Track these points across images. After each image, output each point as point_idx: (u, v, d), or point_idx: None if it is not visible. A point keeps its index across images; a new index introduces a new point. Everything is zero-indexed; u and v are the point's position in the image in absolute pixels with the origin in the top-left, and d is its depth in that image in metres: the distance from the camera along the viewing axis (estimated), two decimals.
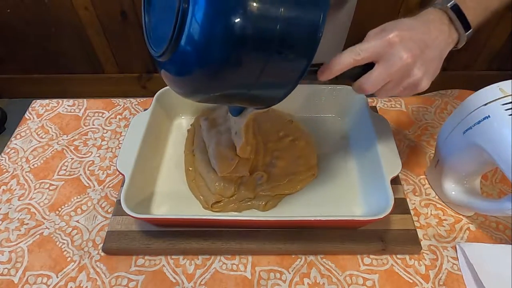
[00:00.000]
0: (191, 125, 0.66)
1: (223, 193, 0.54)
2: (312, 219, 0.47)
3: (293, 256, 0.50)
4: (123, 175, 0.50)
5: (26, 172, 0.61)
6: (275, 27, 0.32)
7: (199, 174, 0.59)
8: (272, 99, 0.40)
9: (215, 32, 0.32)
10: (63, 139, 0.66)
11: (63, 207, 0.56)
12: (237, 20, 0.31)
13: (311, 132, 0.64)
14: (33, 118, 0.69)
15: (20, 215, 0.55)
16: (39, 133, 0.67)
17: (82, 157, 0.63)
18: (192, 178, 0.58)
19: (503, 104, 0.42)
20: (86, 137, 0.66)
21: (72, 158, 0.63)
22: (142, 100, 0.72)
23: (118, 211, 0.53)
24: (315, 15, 0.34)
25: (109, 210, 0.56)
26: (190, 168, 0.60)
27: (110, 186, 0.59)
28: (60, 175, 0.60)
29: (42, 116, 0.70)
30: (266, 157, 0.59)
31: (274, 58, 0.34)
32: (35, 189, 0.58)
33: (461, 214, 0.54)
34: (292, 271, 0.49)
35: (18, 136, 0.66)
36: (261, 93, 0.38)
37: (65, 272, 0.50)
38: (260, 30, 0.32)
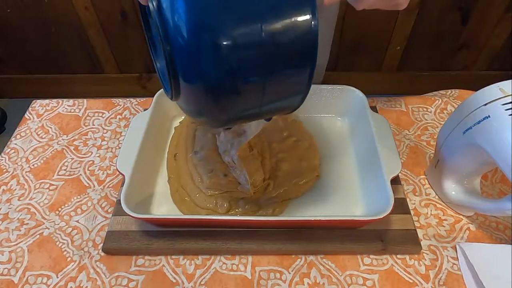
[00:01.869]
0: (180, 122, 0.65)
1: (216, 210, 0.53)
2: (312, 219, 0.47)
3: (293, 256, 0.50)
4: (123, 175, 0.50)
5: (26, 172, 0.61)
6: (261, 49, 0.31)
7: (182, 187, 0.56)
8: (289, 107, 0.39)
9: (202, 68, 0.32)
10: (63, 139, 0.66)
11: (63, 207, 0.56)
12: (219, 54, 0.30)
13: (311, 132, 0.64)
14: (33, 118, 0.69)
15: (20, 215, 0.55)
16: (39, 133, 0.67)
17: (82, 157, 0.63)
18: (175, 190, 0.56)
19: (503, 104, 0.42)
20: (86, 137, 0.66)
21: (72, 158, 0.63)
22: (142, 100, 0.72)
23: (118, 211, 0.53)
24: (303, 18, 0.31)
25: (109, 210, 0.56)
26: (172, 176, 0.58)
27: (110, 186, 0.59)
28: (60, 175, 0.60)
29: (42, 116, 0.70)
30: (272, 159, 0.58)
31: (273, 76, 0.33)
32: (35, 189, 0.58)
33: (461, 214, 0.54)
34: (292, 271, 0.49)
35: (18, 136, 0.66)
36: (274, 106, 0.37)
37: (65, 272, 0.50)
38: (245, 57, 0.31)
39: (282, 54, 0.32)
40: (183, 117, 0.67)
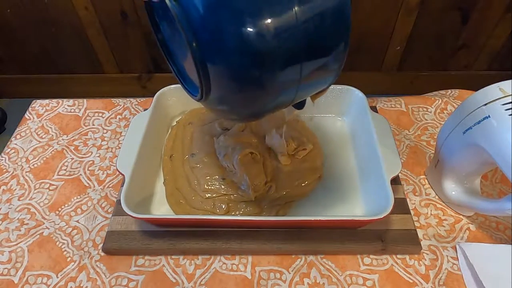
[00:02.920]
0: (176, 121, 0.65)
1: (214, 212, 0.53)
2: (312, 219, 0.47)
3: (293, 256, 0.50)
4: (123, 175, 0.50)
5: (26, 172, 0.61)
6: (297, 34, 0.30)
7: (177, 189, 0.55)
8: (321, 88, 0.38)
9: (237, 66, 0.30)
10: (63, 139, 0.66)
11: (63, 207, 0.56)
12: (254, 48, 0.29)
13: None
14: (33, 118, 0.69)
15: (20, 215, 0.55)
16: (39, 133, 0.67)
17: (82, 157, 0.63)
18: (170, 192, 0.55)
19: (503, 104, 0.42)
20: (86, 137, 0.66)
21: (72, 158, 0.63)
22: (142, 100, 0.72)
23: (118, 211, 0.53)
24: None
25: (109, 210, 0.56)
26: (167, 177, 0.57)
27: (110, 186, 0.59)
28: (60, 175, 0.60)
29: (42, 116, 0.70)
30: (273, 160, 0.58)
31: (308, 61, 0.32)
32: (35, 189, 0.58)
33: (461, 214, 0.54)
34: (292, 271, 0.49)
35: (18, 136, 0.66)
36: (308, 89, 0.36)
37: (65, 272, 0.50)
38: (282, 46, 0.30)
39: (318, 34, 0.31)
40: (181, 116, 0.67)
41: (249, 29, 0.29)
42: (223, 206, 0.53)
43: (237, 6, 0.29)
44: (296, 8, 0.29)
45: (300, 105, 0.41)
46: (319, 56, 0.32)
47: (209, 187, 0.55)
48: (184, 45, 0.31)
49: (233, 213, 0.53)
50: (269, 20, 0.29)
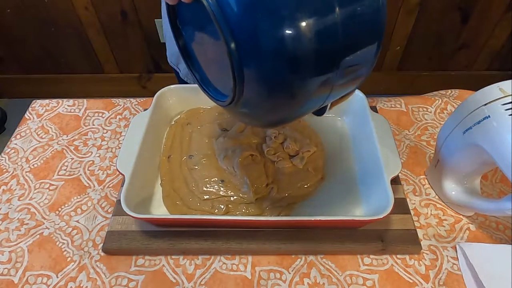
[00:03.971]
0: (175, 121, 0.65)
1: (213, 213, 0.52)
2: (312, 219, 0.47)
3: (293, 256, 0.50)
4: (123, 175, 0.50)
5: (26, 172, 0.61)
6: (336, 38, 0.29)
7: (174, 190, 0.55)
8: (352, 88, 0.37)
9: (272, 69, 0.29)
10: (63, 139, 0.66)
11: (63, 207, 0.56)
12: (293, 49, 0.28)
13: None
14: (33, 118, 0.69)
15: (20, 215, 0.55)
16: (39, 133, 0.67)
17: (82, 157, 0.63)
18: (167, 193, 0.55)
19: (503, 104, 0.42)
20: (86, 137, 0.66)
21: (72, 158, 0.63)
22: (142, 100, 0.72)
23: (118, 211, 0.53)
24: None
25: (109, 210, 0.56)
26: (164, 178, 0.56)
27: (110, 186, 0.59)
28: (60, 175, 0.60)
29: (42, 116, 0.70)
30: (274, 162, 0.58)
31: (344, 65, 0.31)
32: (35, 189, 0.58)
33: (461, 214, 0.54)
34: (292, 271, 0.49)
35: (18, 136, 0.66)
36: (339, 93, 0.35)
37: (65, 272, 0.50)
38: (321, 46, 0.28)
39: (356, 36, 0.30)
40: (179, 116, 0.67)
41: (287, 30, 0.27)
42: (222, 207, 0.53)
43: (275, 5, 0.27)
44: (337, 10, 0.28)
45: (321, 112, 0.40)
46: (354, 61, 0.31)
47: (208, 189, 0.54)
48: (212, 48, 0.30)
49: (233, 214, 0.53)
50: (309, 21, 0.27)
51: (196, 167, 0.57)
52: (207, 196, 0.54)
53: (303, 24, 0.27)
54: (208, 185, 0.55)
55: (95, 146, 0.64)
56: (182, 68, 0.80)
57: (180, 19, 0.38)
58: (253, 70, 0.30)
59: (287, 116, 0.36)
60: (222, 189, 0.54)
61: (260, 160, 0.57)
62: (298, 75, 0.30)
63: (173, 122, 0.65)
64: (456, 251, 0.50)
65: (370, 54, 0.32)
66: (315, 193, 0.55)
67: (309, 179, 0.56)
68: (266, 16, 0.28)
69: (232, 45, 0.29)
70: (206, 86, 0.39)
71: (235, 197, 0.54)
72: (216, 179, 0.55)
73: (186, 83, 0.80)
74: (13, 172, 0.61)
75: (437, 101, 0.70)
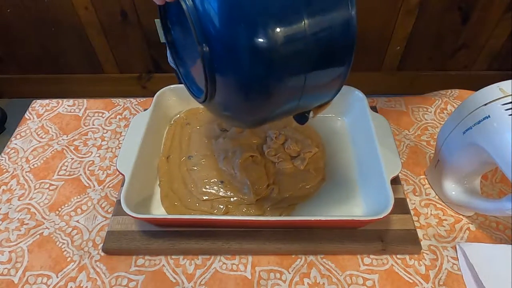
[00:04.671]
0: (174, 120, 0.65)
1: (212, 213, 0.52)
2: (312, 219, 0.47)
3: (293, 256, 0.50)
4: (123, 175, 0.50)
5: (26, 172, 0.61)
6: (303, 44, 0.30)
7: (172, 191, 0.55)
8: (326, 96, 0.38)
9: (243, 68, 0.31)
10: (63, 139, 0.66)
11: (63, 207, 0.56)
12: (263, 53, 0.29)
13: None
14: (33, 118, 0.69)
15: (20, 215, 0.55)
16: (39, 133, 0.67)
17: (82, 157, 0.63)
18: (165, 194, 0.55)
19: (503, 104, 0.42)
20: (86, 137, 0.66)
21: (72, 158, 0.63)
22: (142, 100, 0.72)
23: (118, 211, 0.53)
24: (343, 11, 0.31)
25: (109, 210, 0.56)
26: (163, 179, 0.56)
27: (110, 186, 0.59)
28: (60, 175, 0.60)
29: (42, 116, 0.70)
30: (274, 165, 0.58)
31: (313, 71, 0.32)
32: (35, 189, 0.58)
33: (461, 214, 0.54)
34: (292, 271, 0.49)
35: (18, 136, 0.66)
36: (310, 101, 0.37)
37: (65, 272, 0.50)
38: (288, 53, 0.30)
39: (324, 47, 0.31)
40: (178, 115, 0.67)
41: (256, 37, 0.29)
42: (222, 207, 0.53)
43: (246, 13, 0.29)
44: (305, 21, 0.30)
45: (302, 119, 0.42)
46: (322, 68, 0.33)
47: (207, 190, 0.54)
48: (194, 47, 0.32)
49: (233, 214, 0.53)
50: (278, 30, 0.29)
51: (195, 167, 0.57)
52: (206, 197, 0.54)
53: (271, 31, 0.29)
54: (207, 186, 0.55)
55: (95, 146, 0.64)
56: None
57: (169, 18, 0.40)
58: (222, 71, 0.32)
59: (259, 118, 0.37)
60: (221, 190, 0.54)
61: (260, 161, 0.57)
62: (263, 79, 0.31)
63: (172, 122, 0.65)
64: (456, 251, 0.50)
65: (338, 65, 0.33)
66: (315, 193, 0.55)
67: (310, 180, 0.56)
68: (237, 21, 0.30)
69: (205, 47, 0.31)
70: (189, 81, 0.42)
71: (235, 198, 0.53)
72: (216, 180, 0.55)
73: None
74: (13, 172, 0.61)
75: (437, 101, 0.70)
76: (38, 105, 0.72)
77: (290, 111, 0.38)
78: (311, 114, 0.42)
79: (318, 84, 0.34)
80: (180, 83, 0.41)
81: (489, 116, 0.43)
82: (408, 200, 0.55)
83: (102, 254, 0.51)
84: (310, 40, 0.30)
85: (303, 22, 0.30)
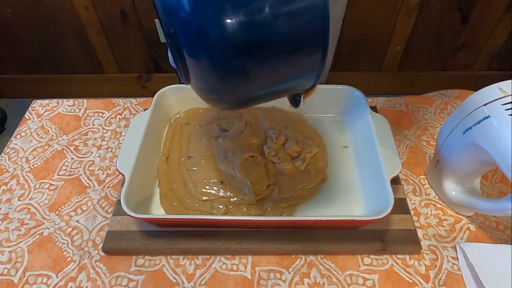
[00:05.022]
0: (174, 120, 0.64)
1: (211, 213, 0.52)
2: (312, 219, 0.47)
3: (293, 256, 0.50)
4: (123, 175, 0.50)
5: (26, 172, 0.61)
6: (269, 29, 0.30)
7: (171, 191, 0.54)
8: (305, 84, 0.38)
9: (212, 50, 0.31)
10: (63, 139, 0.66)
11: (63, 207, 0.56)
12: (224, 31, 0.30)
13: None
14: (33, 118, 0.69)
15: (20, 215, 0.55)
16: (39, 133, 0.67)
17: (82, 157, 0.63)
18: (164, 194, 0.54)
19: (503, 104, 0.42)
20: (86, 137, 0.66)
21: (72, 158, 0.63)
22: (142, 100, 0.72)
23: (118, 211, 0.53)
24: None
25: (109, 210, 0.56)
26: (162, 179, 0.56)
27: (110, 186, 0.59)
28: (60, 175, 0.60)
29: (42, 116, 0.70)
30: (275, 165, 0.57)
31: (284, 57, 0.32)
32: (35, 189, 0.58)
33: (461, 214, 0.54)
34: (292, 271, 0.49)
35: (18, 136, 0.66)
36: (288, 86, 0.37)
37: (65, 272, 0.50)
38: (250, 35, 0.30)
39: (293, 29, 0.31)
40: (177, 115, 0.67)
41: (222, 18, 0.30)
42: (221, 207, 0.52)
43: None
44: (268, 5, 0.30)
45: (294, 103, 0.41)
46: (293, 50, 0.32)
47: (207, 191, 0.54)
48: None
49: (233, 215, 0.53)
50: (243, 11, 0.29)
51: (195, 168, 0.57)
52: (206, 197, 0.54)
53: (237, 11, 0.29)
54: (207, 186, 0.55)
55: (95, 146, 0.64)
56: None
57: None
58: (192, 54, 0.33)
59: (242, 98, 0.37)
60: (221, 190, 0.54)
61: (260, 161, 0.57)
62: (228, 62, 0.32)
63: (172, 121, 0.65)
64: (456, 251, 0.50)
65: (310, 49, 0.32)
66: (316, 193, 0.55)
67: (311, 180, 0.56)
68: (206, 3, 0.30)
69: (171, 29, 0.32)
70: (174, 62, 0.43)
71: (235, 199, 0.53)
72: (215, 180, 0.55)
73: None
74: (13, 172, 0.61)
75: (437, 101, 0.70)
76: (38, 105, 0.72)
77: (272, 93, 0.38)
78: (302, 98, 0.42)
79: (292, 65, 0.34)
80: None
81: (489, 116, 0.43)
82: (408, 200, 0.55)
83: (102, 254, 0.51)
84: (278, 21, 0.30)
85: (270, 2, 0.29)
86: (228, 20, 0.29)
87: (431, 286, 0.47)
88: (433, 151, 0.62)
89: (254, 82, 0.34)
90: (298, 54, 0.33)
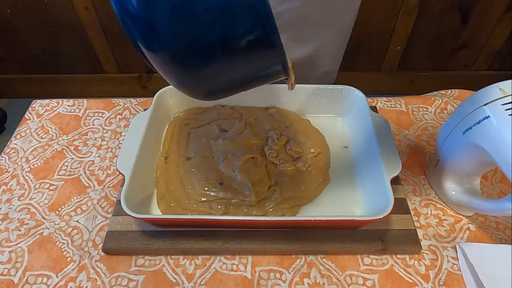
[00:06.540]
0: (173, 119, 0.64)
1: (210, 214, 0.52)
2: (312, 219, 0.47)
3: (293, 256, 0.50)
4: (123, 175, 0.50)
5: (26, 172, 0.61)
6: (203, 25, 0.30)
7: (169, 192, 0.54)
8: (274, 74, 0.37)
9: (148, 38, 0.34)
10: (63, 139, 0.66)
11: (63, 207, 0.56)
12: (160, 24, 0.31)
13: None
14: (33, 118, 0.69)
15: (20, 215, 0.55)
16: (39, 133, 0.67)
17: (82, 157, 0.63)
18: (161, 195, 0.54)
19: (503, 104, 0.42)
20: (86, 137, 0.66)
21: (72, 158, 0.63)
22: (142, 100, 0.72)
23: (118, 211, 0.53)
24: None
25: (109, 210, 0.56)
26: (160, 180, 0.55)
27: (110, 186, 0.59)
28: (60, 175, 0.60)
29: (42, 116, 0.70)
30: (276, 166, 0.57)
31: (227, 43, 0.31)
32: (35, 189, 0.58)
33: (461, 214, 0.54)
34: (292, 271, 0.49)
35: (18, 136, 0.66)
36: (254, 75, 0.36)
37: (65, 272, 0.50)
38: (188, 26, 0.31)
39: (228, 12, 0.30)
40: (176, 114, 0.66)
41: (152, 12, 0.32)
42: (219, 206, 0.52)
43: None
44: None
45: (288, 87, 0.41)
46: (235, 34, 0.31)
47: (206, 192, 0.54)
48: None
49: (233, 215, 0.53)
50: (164, 6, 0.31)
51: (194, 169, 0.56)
52: (205, 199, 0.53)
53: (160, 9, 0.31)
54: (206, 188, 0.54)
55: (95, 146, 0.64)
56: None
57: None
58: (148, 47, 0.35)
59: (212, 88, 0.38)
60: (221, 192, 0.54)
61: (261, 162, 0.56)
62: (177, 52, 0.33)
63: (171, 121, 0.65)
64: (456, 251, 0.50)
65: (251, 36, 0.31)
66: (318, 194, 0.55)
67: (313, 181, 0.55)
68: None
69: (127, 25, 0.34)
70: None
71: (235, 200, 0.53)
72: (215, 182, 0.55)
73: None
74: (13, 172, 0.61)
75: (437, 101, 0.70)
76: (38, 105, 0.72)
77: (237, 87, 0.38)
78: (289, 85, 0.42)
79: (249, 60, 0.33)
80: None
81: (489, 116, 0.43)
82: (408, 200, 0.55)
83: (102, 254, 0.51)
84: (201, 17, 0.30)
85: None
86: (167, 19, 0.31)
87: (431, 286, 0.47)
88: (433, 151, 0.62)
89: (211, 75, 0.35)
90: (245, 44, 0.31)
